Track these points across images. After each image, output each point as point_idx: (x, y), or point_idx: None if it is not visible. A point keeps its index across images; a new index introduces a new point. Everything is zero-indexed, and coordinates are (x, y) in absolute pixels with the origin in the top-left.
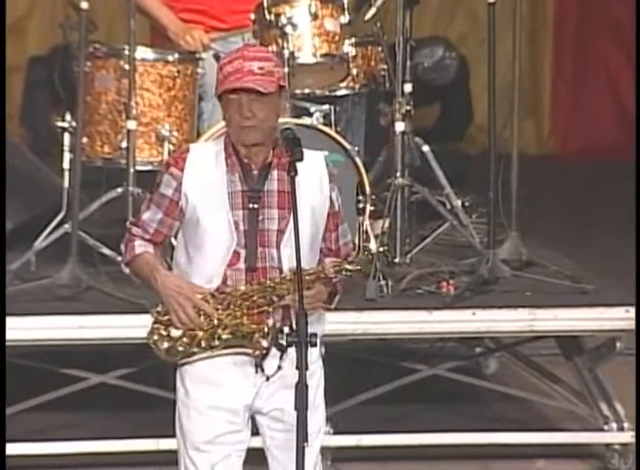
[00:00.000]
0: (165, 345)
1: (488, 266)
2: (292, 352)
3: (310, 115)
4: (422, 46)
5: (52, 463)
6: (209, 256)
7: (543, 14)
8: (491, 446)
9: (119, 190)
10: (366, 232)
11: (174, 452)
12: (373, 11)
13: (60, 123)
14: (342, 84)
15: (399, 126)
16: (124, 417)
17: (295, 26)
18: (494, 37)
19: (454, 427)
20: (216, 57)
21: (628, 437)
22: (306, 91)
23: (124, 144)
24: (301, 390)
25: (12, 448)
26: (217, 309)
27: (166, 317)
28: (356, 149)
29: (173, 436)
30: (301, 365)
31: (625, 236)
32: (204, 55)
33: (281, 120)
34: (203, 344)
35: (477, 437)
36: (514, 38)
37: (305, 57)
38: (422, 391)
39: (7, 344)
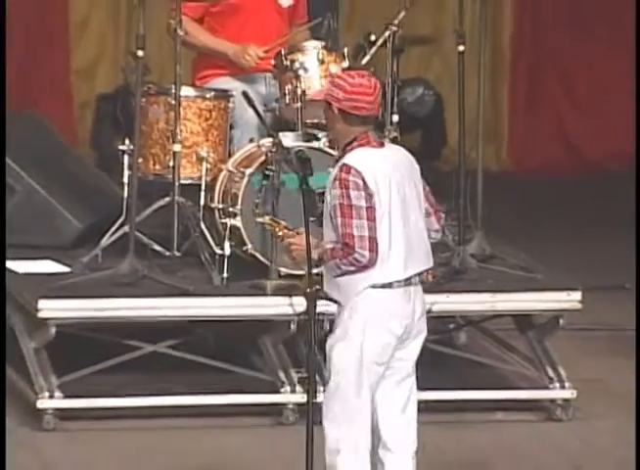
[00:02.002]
0: None
1: (459, 259)
2: None
3: (318, 139)
4: (406, 85)
5: (114, 414)
6: None
7: (502, 60)
8: (462, 401)
9: (167, 199)
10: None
11: (211, 406)
12: (367, 58)
13: (121, 147)
14: None
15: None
16: (171, 378)
17: (306, 70)
18: (463, 79)
19: (434, 386)
20: (244, 94)
21: (569, 394)
22: (315, 121)
23: (171, 163)
24: (312, 360)
25: (84, 403)
26: None
27: None
28: None
29: (209, 393)
30: (311, 339)
31: (567, 234)
32: (234, 93)
33: (295, 144)
34: None
35: (451, 394)
36: (479, 79)
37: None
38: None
39: (79, 320)
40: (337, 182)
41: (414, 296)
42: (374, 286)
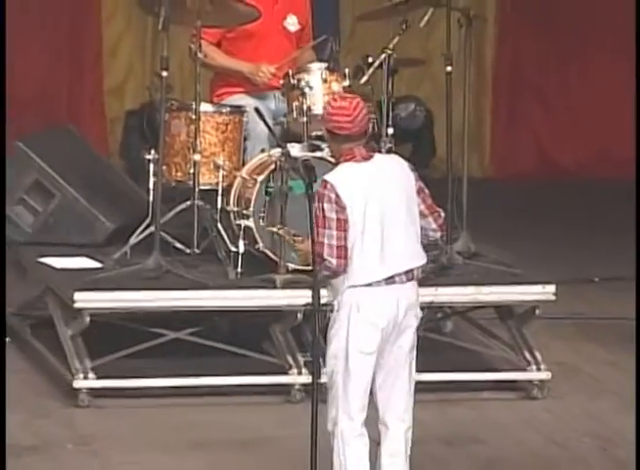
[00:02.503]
0: None
1: (447, 257)
2: None
3: (321, 150)
4: (399, 102)
5: (141, 393)
6: None
7: (485, 80)
8: (450, 382)
9: (188, 203)
10: None
11: (227, 386)
12: (365, 78)
13: (147, 156)
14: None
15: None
16: (191, 362)
17: (311, 88)
18: (450, 96)
19: (425, 369)
20: (256, 110)
21: (544, 375)
22: (319, 133)
23: (191, 171)
24: (316, 346)
25: (115, 383)
26: None
27: None
28: None
29: (225, 375)
30: (316, 327)
31: (542, 233)
32: (248, 108)
33: (301, 154)
34: None
35: (439, 376)
36: (464, 97)
37: (318, 109)
38: None
39: (110, 310)
40: (316, 196)
41: (398, 292)
42: (354, 286)
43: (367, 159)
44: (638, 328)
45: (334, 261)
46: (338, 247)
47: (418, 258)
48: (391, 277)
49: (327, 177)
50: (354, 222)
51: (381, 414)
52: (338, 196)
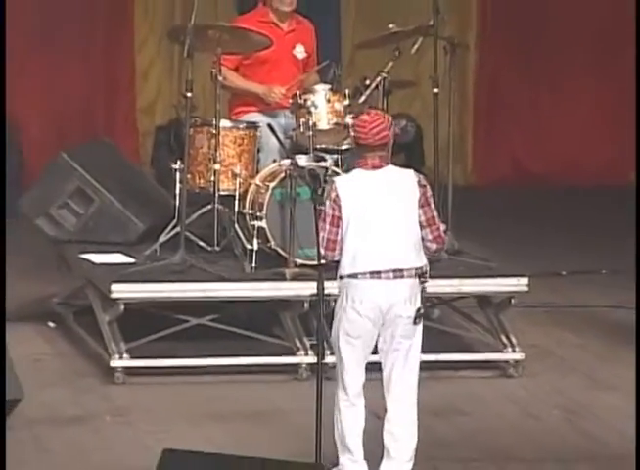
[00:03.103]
0: None
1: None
2: None
3: (325, 160)
4: (393, 119)
5: (169, 372)
6: None
7: (467, 100)
8: (437, 362)
9: (209, 206)
10: None
11: (243, 366)
12: (363, 98)
13: (174, 166)
14: (345, 142)
15: None
16: (212, 345)
17: (316, 107)
18: (437, 114)
19: None
20: (269, 126)
21: (518, 356)
22: (323, 146)
23: (212, 178)
24: (320, 331)
25: (146, 363)
26: None
27: None
28: None
29: (242, 356)
30: (320, 314)
31: (517, 233)
32: (261, 124)
33: (307, 164)
34: None
35: (429, 356)
36: (449, 114)
37: (322, 125)
38: None
39: (142, 299)
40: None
41: (384, 287)
42: (342, 276)
43: (377, 168)
44: (638, 325)
45: (323, 252)
46: (327, 239)
47: (410, 262)
48: (377, 272)
49: (336, 179)
50: (346, 220)
51: (384, 391)
52: (337, 196)
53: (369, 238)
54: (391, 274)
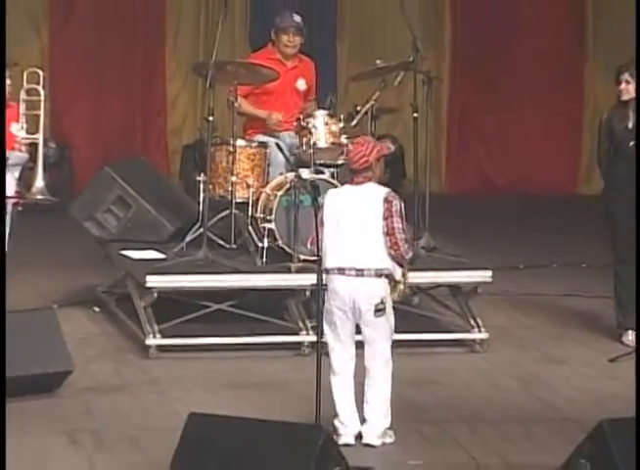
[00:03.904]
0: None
1: (414, 250)
2: None
3: (324, 173)
4: (379, 139)
5: (195, 349)
6: None
7: (441, 123)
8: (415, 340)
9: (227, 211)
10: None
11: (255, 344)
12: (355, 121)
13: (198, 178)
14: (340, 158)
15: None
16: (230, 326)
17: (316, 128)
18: (416, 135)
19: (397, 331)
20: (277, 144)
21: (484, 335)
22: (322, 161)
23: (230, 188)
24: (319, 314)
25: (175, 341)
26: None
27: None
28: None
29: (254, 335)
30: (319, 301)
31: (483, 234)
32: (270, 143)
33: (309, 176)
34: None
35: (408, 335)
36: (426, 135)
37: (321, 144)
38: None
39: (172, 288)
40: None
41: (348, 283)
42: (323, 270)
43: (359, 184)
44: (638, 324)
45: (309, 246)
46: (316, 238)
47: (371, 263)
48: (342, 269)
49: (329, 191)
50: (327, 223)
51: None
52: (324, 204)
53: (340, 240)
54: (354, 272)
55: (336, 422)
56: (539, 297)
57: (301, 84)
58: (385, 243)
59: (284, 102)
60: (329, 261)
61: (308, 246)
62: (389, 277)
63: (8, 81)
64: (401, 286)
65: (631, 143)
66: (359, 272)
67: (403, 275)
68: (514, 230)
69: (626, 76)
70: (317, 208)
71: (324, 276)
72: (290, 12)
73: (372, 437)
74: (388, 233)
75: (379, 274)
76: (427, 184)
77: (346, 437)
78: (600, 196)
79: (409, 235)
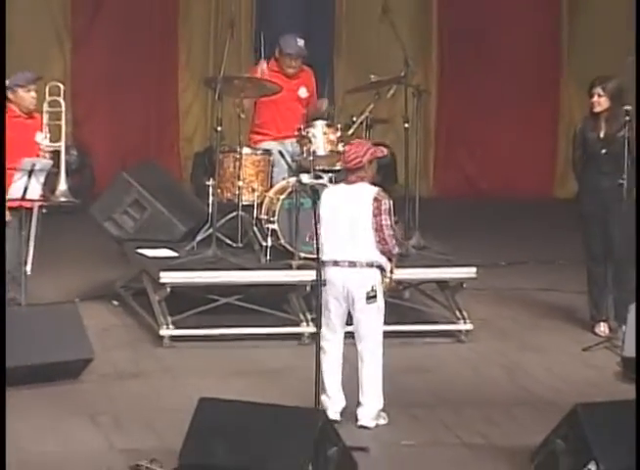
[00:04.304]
0: None
1: (405, 248)
2: None
3: (322, 178)
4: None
5: (204, 339)
6: None
7: (429, 133)
8: (407, 331)
9: (234, 213)
10: None
11: (260, 334)
12: (351, 131)
13: (207, 183)
14: (338, 164)
15: None
16: (237, 317)
17: (315, 137)
18: (407, 143)
19: (390, 322)
20: (279, 152)
21: (469, 326)
22: (321, 167)
23: (237, 192)
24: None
25: (187, 332)
26: None
27: None
28: None
29: (259, 326)
30: (319, 295)
31: (467, 233)
32: (273, 151)
33: (309, 181)
34: None
35: (401, 327)
36: (416, 143)
37: (320, 152)
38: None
39: (184, 284)
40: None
41: (342, 274)
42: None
43: (351, 183)
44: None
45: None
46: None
47: (362, 256)
48: (337, 262)
49: (325, 190)
50: (323, 220)
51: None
52: (321, 202)
53: (334, 235)
54: (347, 263)
55: (323, 397)
56: (519, 291)
57: (303, 92)
58: (374, 238)
59: (288, 108)
60: (325, 255)
61: (307, 239)
62: (381, 268)
63: (33, 94)
64: (387, 280)
65: (603, 151)
66: (352, 264)
67: (391, 270)
68: (496, 230)
69: (598, 90)
70: (316, 210)
71: (324, 269)
72: (294, 36)
73: (366, 419)
74: (377, 229)
75: (370, 265)
76: (416, 188)
77: (332, 411)
78: (574, 199)
79: (399, 232)
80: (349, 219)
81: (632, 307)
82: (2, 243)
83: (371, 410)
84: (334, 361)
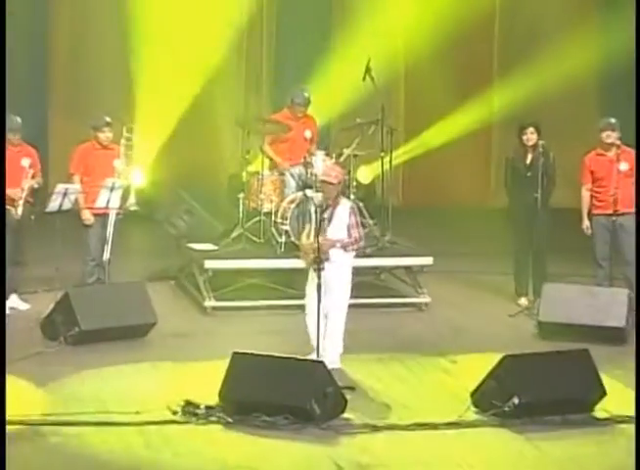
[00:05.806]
0: None
1: (381, 243)
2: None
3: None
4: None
5: (236, 309)
6: None
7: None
8: (381, 303)
9: (257, 218)
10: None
11: (276, 305)
12: (342, 159)
13: (238, 195)
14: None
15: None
16: (259, 293)
17: (316, 163)
18: (383, 167)
19: (368, 296)
20: (290, 173)
21: (427, 299)
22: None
23: (259, 203)
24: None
25: (225, 304)
26: None
27: None
28: None
29: (278, 299)
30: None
31: (427, 232)
32: (286, 173)
33: (312, 195)
34: None
35: (375, 300)
36: (390, 167)
37: (320, 176)
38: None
39: (221, 268)
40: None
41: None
42: None
43: (328, 192)
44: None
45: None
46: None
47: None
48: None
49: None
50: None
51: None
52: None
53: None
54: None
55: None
56: (464, 273)
57: (308, 134)
58: (349, 235)
59: (296, 146)
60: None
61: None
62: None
63: (107, 129)
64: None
65: (528, 173)
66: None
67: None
68: (447, 229)
69: (531, 129)
70: (317, 215)
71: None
72: (302, 90)
73: (333, 363)
74: (349, 230)
75: (342, 246)
76: (389, 200)
77: (327, 360)
78: (506, 208)
79: (366, 230)
80: (328, 218)
81: (546, 285)
82: (2, 245)
83: (335, 355)
84: (313, 318)
